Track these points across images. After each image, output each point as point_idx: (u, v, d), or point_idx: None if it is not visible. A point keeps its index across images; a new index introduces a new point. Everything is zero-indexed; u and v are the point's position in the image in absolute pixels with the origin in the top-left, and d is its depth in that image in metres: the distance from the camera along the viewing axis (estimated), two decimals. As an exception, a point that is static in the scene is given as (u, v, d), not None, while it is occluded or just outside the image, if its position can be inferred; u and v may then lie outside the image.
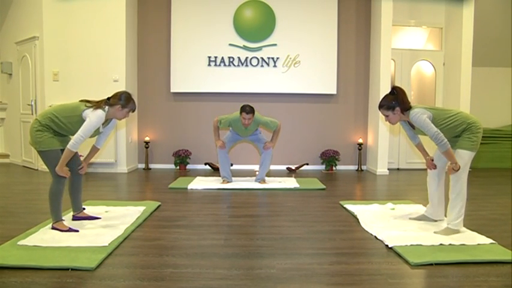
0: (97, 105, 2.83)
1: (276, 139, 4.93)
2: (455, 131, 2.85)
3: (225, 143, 4.87)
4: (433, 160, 3.10)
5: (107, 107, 2.86)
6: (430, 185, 3.18)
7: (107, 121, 2.98)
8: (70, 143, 2.73)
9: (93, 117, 2.76)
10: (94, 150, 3.14)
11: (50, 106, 5.74)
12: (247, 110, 4.58)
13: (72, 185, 3.13)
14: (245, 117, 4.59)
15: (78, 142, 2.73)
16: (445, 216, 3.06)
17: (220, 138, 4.89)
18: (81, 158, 3.15)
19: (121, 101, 2.89)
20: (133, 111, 3.02)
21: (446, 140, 2.74)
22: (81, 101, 2.89)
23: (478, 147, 2.85)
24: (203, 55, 6.26)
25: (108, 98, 2.90)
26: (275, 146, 4.89)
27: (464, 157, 2.82)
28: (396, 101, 2.87)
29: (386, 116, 2.95)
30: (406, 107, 2.87)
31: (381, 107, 2.95)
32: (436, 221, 3.17)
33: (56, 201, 2.88)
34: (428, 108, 2.86)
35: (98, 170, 5.88)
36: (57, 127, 2.82)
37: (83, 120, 2.78)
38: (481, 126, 2.85)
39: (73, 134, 2.80)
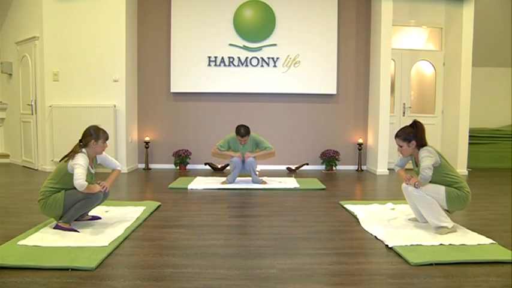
0: (73, 152, 2.88)
1: (260, 155, 4.91)
2: (450, 184, 2.87)
3: (242, 156, 4.86)
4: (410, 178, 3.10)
5: (83, 150, 2.91)
6: (409, 199, 3.16)
7: (92, 160, 3.03)
8: (75, 184, 2.72)
9: (78, 160, 2.79)
10: (115, 172, 3.18)
11: (50, 106, 5.76)
12: (242, 133, 4.65)
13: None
14: (240, 140, 4.72)
15: (80, 178, 2.71)
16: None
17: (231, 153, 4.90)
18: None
19: (92, 136, 2.94)
20: (107, 139, 3.04)
21: (429, 178, 2.80)
22: (60, 160, 2.92)
23: (452, 208, 2.88)
24: (203, 55, 6.26)
25: (80, 141, 2.95)
26: (256, 158, 4.89)
27: (438, 191, 2.84)
28: (415, 135, 2.93)
29: (400, 147, 3.00)
30: (422, 143, 2.93)
31: (397, 136, 3.01)
32: (431, 225, 3.16)
33: (82, 211, 2.92)
34: (441, 156, 2.89)
35: (98, 170, 5.84)
36: (56, 191, 2.86)
37: (70, 172, 2.82)
38: (470, 200, 2.88)
39: (72, 187, 2.83)
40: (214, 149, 4.93)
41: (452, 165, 3.00)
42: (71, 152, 2.91)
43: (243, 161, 4.87)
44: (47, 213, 2.89)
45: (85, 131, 2.98)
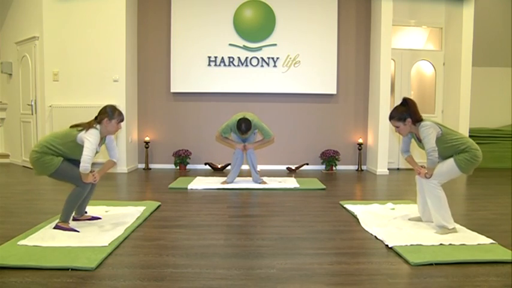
0: (88, 126, 2.86)
1: (259, 145, 4.91)
2: (457, 149, 2.87)
3: (245, 146, 4.84)
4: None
5: (98, 125, 2.89)
6: (420, 191, 3.17)
7: (102, 139, 3.01)
8: (81, 166, 2.75)
9: (90, 137, 2.79)
10: (109, 163, 3.13)
11: (50, 106, 5.76)
12: (243, 130, 4.51)
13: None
14: (242, 135, 4.62)
15: (88, 162, 2.75)
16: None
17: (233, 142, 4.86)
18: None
19: (107, 114, 2.92)
20: (121, 121, 3.03)
21: (437, 160, 2.83)
22: (71, 126, 2.89)
23: (469, 173, 2.89)
24: (203, 55, 6.26)
25: (96, 118, 2.94)
26: (255, 148, 4.90)
27: (450, 169, 2.86)
28: (408, 112, 2.92)
29: (397, 127, 2.99)
30: (417, 118, 2.92)
31: (391, 118, 3.00)
32: (433, 221, 3.16)
33: (74, 204, 2.91)
34: (439, 124, 2.89)
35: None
36: (55, 153, 2.84)
37: (79, 145, 2.81)
38: (480, 156, 2.87)
39: (72, 157, 2.84)
40: (218, 135, 4.83)
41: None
42: (85, 123, 2.88)
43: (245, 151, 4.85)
44: (35, 166, 2.84)
45: (102, 108, 2.96)
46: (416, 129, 2.94)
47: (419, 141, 3.01)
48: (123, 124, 3.14)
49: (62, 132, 2.91)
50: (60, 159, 2.83)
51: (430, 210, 2.94)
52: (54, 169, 2.81)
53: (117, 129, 3.01)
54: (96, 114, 2.96)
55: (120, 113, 3.01)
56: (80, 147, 2.80)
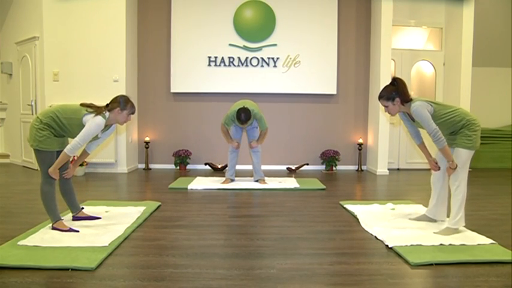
0: (98, 110, 2.83)
1: (262, 140, 4.92)
2: (453, 126, 2.84)
3: (239, 144, 4.85)
4: (436, 162, 3.09)
5: (107, 113, 2.87)
6: (435, 185, 3.15)
7: (106, 127, 2.98)
8: (67, 147, 2.75)
9: (92, 124, 2.76)
10: (84, 154, 3.13)
11: (50, 106, 5.75)
12: (243, 119, 4.47)
13: (63, 188, 3.12)
14: (242, 125, 4.60)
15: (76, 148, 2.74)
16: (447, 216, 3.06)
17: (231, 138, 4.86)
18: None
19: (119, 103, 2.90)
20: (132, 113, 3.02)
21: (443, 137, 2.76)
22: (82, 104, 2.87)
23: (478, 145, 2.83)
24: (203, 55, 6.26)
25: (107, 105, 2.92)
26: (262, 144, 4.97)
27: (462, 156, 2.82)
28: (396, 92, 2.88)
29: (386, 107, 2.95)
30: (406, 98, 2.88)
31: (380, 97, 2.95)
32: (436, 221, 3.16)
33: (50, 202, 2.89)
34: (429, 101, 2.85)
35: (98, 170, 5.88)
36: (58, 127, 2.82)
37: (82, 125, 2.79)
38: (479, 124, 2.84)
39: (71, 136, 2.83)
40: (222, 126, 4.79)
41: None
42: (96, 107, 2.85)
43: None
44: (30, 133, 2.83)
45: (115, 97, 2.94)
46: (408, 109, 2.90)
47: (412, 120, 2.99)
48: (123, 125, 3.14)
49: (71, 107, 2.86)
50: (54, 147, 2.82)
51: (452, 205, 2.87)
52: (41, 149, 2.79)
53: (126, 121, 2.99)
54: (108, 102, 2.93)
55: (133, 105, 3.00)
56: (81, 128, 2.78)
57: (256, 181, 4.97)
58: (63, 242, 2.59)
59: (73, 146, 2.73)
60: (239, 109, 4.51)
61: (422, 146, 3.12)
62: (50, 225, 2.93)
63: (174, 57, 6.25)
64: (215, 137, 6.24)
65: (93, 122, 2.77)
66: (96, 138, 2.99)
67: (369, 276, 2.18)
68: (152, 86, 6.43)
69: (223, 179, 5.05)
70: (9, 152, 7.00)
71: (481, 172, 6.22)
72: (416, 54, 6.59)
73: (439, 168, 3.07)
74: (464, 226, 2.98)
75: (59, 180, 2.98)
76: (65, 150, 2.75)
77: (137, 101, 6.41)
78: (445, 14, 6.51)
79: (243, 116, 4.46)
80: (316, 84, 6.34)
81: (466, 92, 6.09)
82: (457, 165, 2.80)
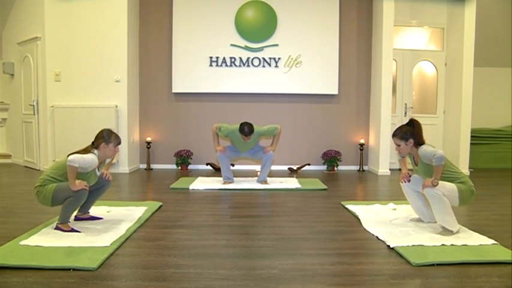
0: (85, 151, 2.86)
1: (276, 143, 4.92)
2: (454, 180, 2.85)
3: (224, 148, 4.84)
4: (410, 176, 3.08)
5: (95, 151, 2.90)
6: (409, 195, 3.14)
7: (101, 163, 3.02)
8: (69, 158, 2.72)
9: (85, 156, 2.78)
10: (109, 162, 3.20)
11: (52, 106, 5.77)
12: (246, 132, 4.51)
13: (94, 192, 3.12)
14: (244, 138, 4.61)
15: (75, 161, 2.70)
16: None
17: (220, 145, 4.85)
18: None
19: (103, 139, 2.93)
20: (119, 144, 3.04)
21: (443, 155, 2.74)
22: (69, 155, 2.84)
23: (466, 203, 2.85)
24: (205, 55, 6.26)
25: (93, 143, 2.94)
26: (276, 150, 4.90)
27: (451, 190, 2.79)
28: (412, 133, 2.91)
29: (398, 146, 2.98)
30: (420, 141, 2.91)
31: (394, 135, 2.99)
32: (436, 221, 3.16)
33: (72, 208, 2.87)
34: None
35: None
36: (58, 181, 2.85)
37: (79, 172, 2.80)
38: (475, 193, 2.86)
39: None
40: (215, 127, 4.76)
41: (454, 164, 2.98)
42: (81, 150, 2.88)
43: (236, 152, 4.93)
44: (40, 200, 2.86)
45: (98, 133, 2.98)
46: (416, 152, 2.93)
47: (416, 164, 3.01)
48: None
49: (58, 163, 2.91)
50: (54, 185, 2.81)
51: (436, 215, 2.86)
52: (51, 195, 2.78)
53: (115, 153, 3.03)
54: (93, 140, 2.97)
55: (117, 137, 3.04)
56: (81, 176, 2.80)
57: (259, 182, 4.97)
58: (65, 242, 2.59)
59: (74, 157, 2.72)
60: (242, 123, 4.60)
61: (404, 159, 3.18)
62: (53, 224, 2.94)
63: (175, 58, 6.26)
64: (216, 137, 6.24)
65: (84, 156, 2.78)
66: (95, 177, 2.98)
67: (370, 276, 2.18)
68: (154, 86, 6.44)
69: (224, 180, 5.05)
70: (11, 152, 7.01)
71: (481, 172, 6.21)
72: (418, 54, 6.59)
73: (409, 180, 3.08)
74: (466, 226, 2.98)
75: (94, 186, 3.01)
76: (67, 161, 2.72)
77: (139, 101, 6.42)
78: (447, 14, 6.50)
79: (247, 128, 4.53)
80: (317, 84, 6.34)
81: (467, 92, 6.08)
82: (437, 184, 2.76)
